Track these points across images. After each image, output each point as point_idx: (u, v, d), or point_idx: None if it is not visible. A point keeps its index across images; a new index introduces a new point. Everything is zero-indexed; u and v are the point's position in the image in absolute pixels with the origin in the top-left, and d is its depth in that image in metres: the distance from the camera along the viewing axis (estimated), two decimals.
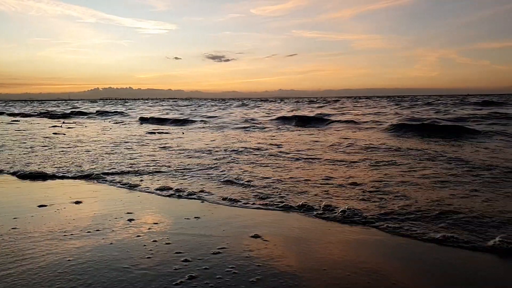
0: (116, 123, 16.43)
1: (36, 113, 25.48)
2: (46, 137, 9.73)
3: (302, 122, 14.10)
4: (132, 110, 29.49)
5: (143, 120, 17.37)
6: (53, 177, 4.73)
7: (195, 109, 29.20)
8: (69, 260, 2.28)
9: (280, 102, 47.94)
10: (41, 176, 4.76)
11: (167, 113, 23.02)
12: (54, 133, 10.99)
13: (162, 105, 41.79)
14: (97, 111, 26.00)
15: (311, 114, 17.18)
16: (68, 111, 27.15)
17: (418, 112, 18.61)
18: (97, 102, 79.77)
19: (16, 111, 29.46)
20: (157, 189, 4.04)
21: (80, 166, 5.38)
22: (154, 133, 11.28)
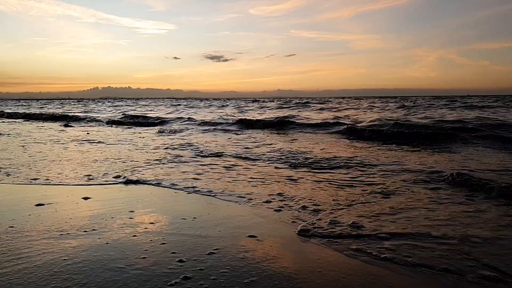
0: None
1: None
2: None
3: (245, 125, 14.10)
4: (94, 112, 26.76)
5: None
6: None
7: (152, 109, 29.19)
8: (65, 259, 2.28)
9: (266, 102, 47.31)
10: None
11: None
12: None
13: (119, 106, 38.64)
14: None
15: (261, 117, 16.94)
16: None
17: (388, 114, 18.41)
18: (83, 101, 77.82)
19: None
20: (152, 187, 4.05)
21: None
22: None
